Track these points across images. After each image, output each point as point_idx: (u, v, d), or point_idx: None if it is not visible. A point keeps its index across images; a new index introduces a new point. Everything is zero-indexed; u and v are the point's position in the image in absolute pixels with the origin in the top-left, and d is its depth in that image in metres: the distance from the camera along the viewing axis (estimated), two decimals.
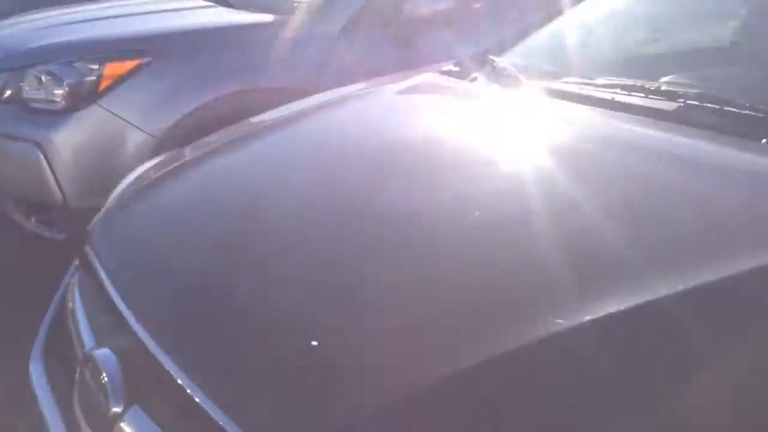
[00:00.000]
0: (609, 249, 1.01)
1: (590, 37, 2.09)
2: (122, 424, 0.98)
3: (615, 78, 1.64)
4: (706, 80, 1.61)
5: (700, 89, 1.47)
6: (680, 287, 0.88)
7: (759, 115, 1.31)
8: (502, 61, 1.90)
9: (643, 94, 1.51)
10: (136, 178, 1.64)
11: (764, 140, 1.24)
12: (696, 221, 1.08)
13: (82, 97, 2.82)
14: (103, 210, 1.53)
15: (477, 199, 1.20)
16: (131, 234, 1.39)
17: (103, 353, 1.06)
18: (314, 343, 0.90)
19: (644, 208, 1.14)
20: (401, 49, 3.17)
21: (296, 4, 3.42)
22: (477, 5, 3.37)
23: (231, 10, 3.35)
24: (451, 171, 1.33)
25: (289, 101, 2.92)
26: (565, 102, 1.60)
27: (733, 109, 1.33)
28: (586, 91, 1.60)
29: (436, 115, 1.74)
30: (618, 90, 1.55)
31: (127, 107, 2.83)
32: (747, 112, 1.32)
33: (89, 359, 1.08)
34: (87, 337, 1.20)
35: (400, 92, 1.93)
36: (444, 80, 1.93)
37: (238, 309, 1.05)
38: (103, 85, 2.82)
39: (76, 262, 1.43)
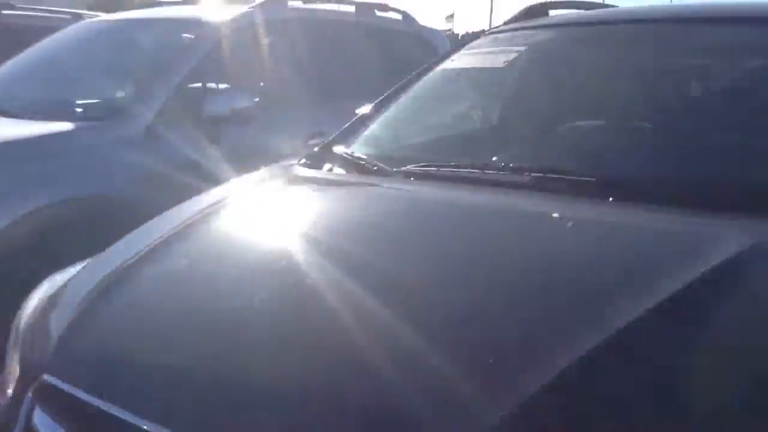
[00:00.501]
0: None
1: (423, 122, 2.43)
2: None
3: (465, 158, 1.98)
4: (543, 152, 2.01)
5: (542, 162, 1.85)
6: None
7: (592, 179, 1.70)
8: (355, 152, 2.14)
9: (495, 171, 1.85)
10: (51, 297, 1.56)
11: (610, 198, 1.62)
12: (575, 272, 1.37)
13: None
14: (50, 336, 1.42)
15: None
16: (106, 348, 1.34)
17: None
18: None
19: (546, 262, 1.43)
20: (205, 145, 3.25)
21: (79, 109, 3.35)
22: (276, 104, 3.57)
23: (16, 120, 3.13)
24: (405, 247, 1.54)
25: (108, 207, 2.85)
26: (435, 182, 1.88)
27: (583, 178, 1.71)
28: (448, 172, 1.89)
29: (335, 203, 1.93)
30: (476, 169, 1.87)
31: None
32: (586, 178, 1.70)
33: None
34: None
35: (278, 189, 2.06)
36: (309, 173, 2.10)
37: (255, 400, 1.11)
38: None
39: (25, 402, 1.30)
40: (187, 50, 3.40)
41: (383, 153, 2.17)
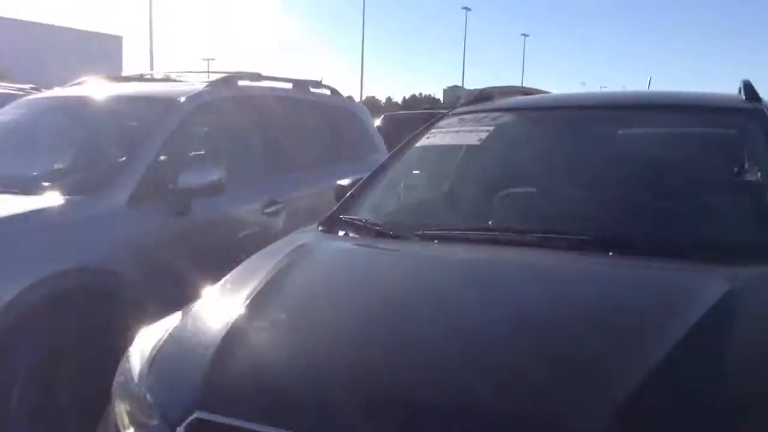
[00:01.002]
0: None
1: (423, 190, 2.83)
2: None
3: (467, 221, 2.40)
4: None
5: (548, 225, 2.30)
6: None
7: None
8: (369, 219, 2.50)
9: (502, 232, 2.27)
10: (161, 348, 1.84)
11: (611, 252, 2.06)
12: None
13: None
14: (189, 379, 1.66)
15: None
16: (253, 381, 1.63)
17: None
18: None
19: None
20: (179, 216, 3.44)
21: (46, 184, 3.43)
22: (234, 175, 3.80)
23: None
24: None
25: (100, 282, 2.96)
26: (447, 243, 2.26)
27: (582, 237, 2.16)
28: (465, 234, 2.29)
29: (382, 263, 2.34)
30: (481, 231, 2.28)
31: None
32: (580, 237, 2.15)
33: None
34: None
35: (325, 251, 2.41)
36: (334, 239, 2.43)
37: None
38: None
39: None
40: (160, 125, 3.60)
41: (391, 219, 2.55)
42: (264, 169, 4.20)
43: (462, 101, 3.60)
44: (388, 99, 76.17)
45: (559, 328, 1.71)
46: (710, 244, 2.11)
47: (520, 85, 4.17)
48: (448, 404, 1.45)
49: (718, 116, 2.83)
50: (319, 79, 5.28)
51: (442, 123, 3.13)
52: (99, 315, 2.99)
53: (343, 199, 2.75)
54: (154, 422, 1.61)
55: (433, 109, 14.09)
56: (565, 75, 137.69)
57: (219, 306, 2.00)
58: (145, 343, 1.89)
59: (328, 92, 5.38)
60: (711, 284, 1.84)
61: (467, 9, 62.78)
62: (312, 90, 5.13)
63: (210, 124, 4.16)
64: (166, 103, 3.79)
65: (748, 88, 2.81)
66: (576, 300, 1.88)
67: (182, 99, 3.81)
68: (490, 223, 2.43)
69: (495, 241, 2.24)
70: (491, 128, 2.93)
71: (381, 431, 1.42)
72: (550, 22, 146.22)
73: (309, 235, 2.50)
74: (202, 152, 3.91)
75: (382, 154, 4.85)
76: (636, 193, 2.54)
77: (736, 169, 2.56)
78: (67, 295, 2.90)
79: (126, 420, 1.69)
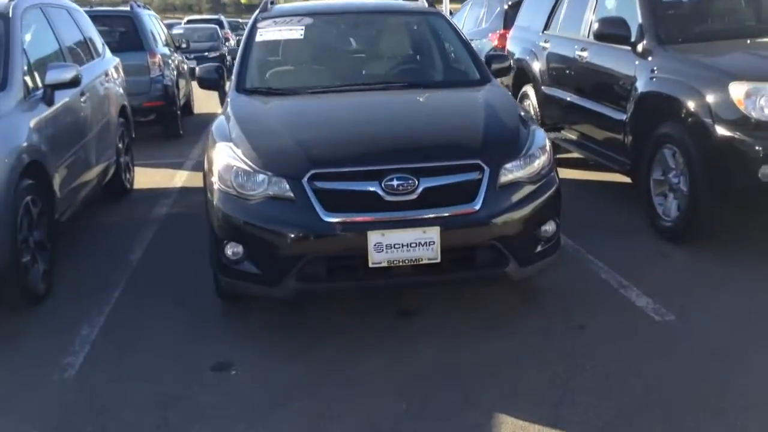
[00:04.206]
0: None
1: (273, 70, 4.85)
2: None
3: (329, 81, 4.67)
4: None
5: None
6: None
7: None
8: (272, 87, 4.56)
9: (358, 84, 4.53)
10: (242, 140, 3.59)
11: None
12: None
13: None
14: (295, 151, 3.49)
15: None
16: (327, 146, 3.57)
17: None
18: None
19: None
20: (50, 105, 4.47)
21: None
22: None
23: None
24: None
25: (38, 152, 4.23)
26: (334, 93, 4.43)
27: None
28: (338, 88, 4.49)
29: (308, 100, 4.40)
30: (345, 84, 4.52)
31: None
32: None
33: None
34: None
35: (268, 100, 4.29)
36: (263, 96, 4.41)
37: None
38: None
39: None
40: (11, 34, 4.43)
41: (285, 85, 4.49)
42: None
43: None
44: None
45: (390, 106, 4.15)
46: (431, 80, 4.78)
47: None
48: (394, 126, 3.80)
49: (415, 15, 5.22)
50: None
51: (261, 24, 4.79)
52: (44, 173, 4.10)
53: (236, 78, 4.37)
54: (283, 182, 3.25)
55: None
56: None
57: (261, 126, 3.75)
58: (226, 157, 3.47)
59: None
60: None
61: None
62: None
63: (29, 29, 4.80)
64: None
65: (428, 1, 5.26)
66: (389, 101, 4.24)
67: (10, 9, 4.46)
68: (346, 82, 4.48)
69: (351, 90, 4.32)
70: (300, 27, 4.76)
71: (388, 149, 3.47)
72: None
73: (244, 98, 4.21)
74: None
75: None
76: (385, 61, 5.01)
77: (426, 43, 5.06)
78: (31, 164, 3.92)
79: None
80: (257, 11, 5.04)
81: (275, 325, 3.68)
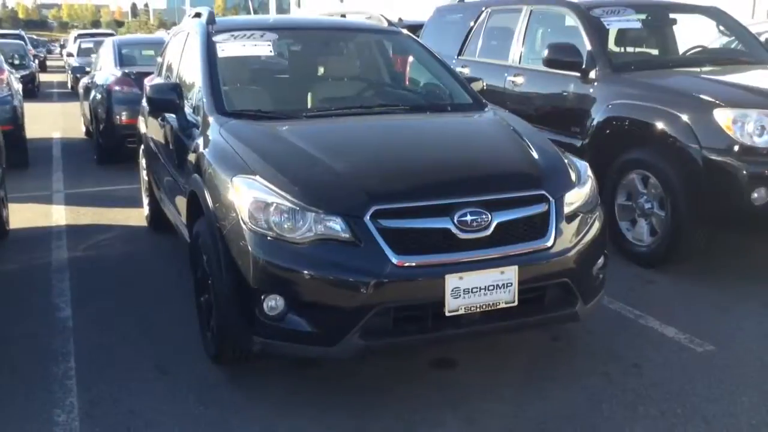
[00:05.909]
0: None
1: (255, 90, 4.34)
2: None
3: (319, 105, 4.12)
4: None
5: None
6: None
7: None
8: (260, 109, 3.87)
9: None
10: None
11: None
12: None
13: None
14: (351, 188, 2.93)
15: None
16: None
17: None
18: None
19: None
20: None
21: None
22: None
23: None
24: None
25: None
26: (331, 117, 3.87)
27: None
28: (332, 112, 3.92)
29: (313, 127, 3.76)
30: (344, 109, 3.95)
31: None
32: None
33: None
34: None
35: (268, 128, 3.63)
36: (255, 122, 3.73)
37: None
38: None
39: None
40: None
41: (277, 108, 3.88)
42: None
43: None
44: None
45: (417, 132, 3.71)
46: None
47: None
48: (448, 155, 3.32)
49: (377, 33, 4.83)
50: None
51: (218, 38, 4.11)
52: None
53: (211, 100, 3.66)
54: (337, 220, 2.74)
55: None
56: None
57: (289, 155, 3.11)
58: (256, 192, 2.85)
59: None
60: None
61: None
62: None
63: None
64: None
65: (388, 20, 4.86)
66: (409, 125, 3.80)
67: None
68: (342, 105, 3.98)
69: (355, 114, 3.83)
70: (266, 42, 4.18)
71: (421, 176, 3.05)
72: None
73: (237, 122, 3.50)
74: None
75: None
76: (371, 83, 4.72)
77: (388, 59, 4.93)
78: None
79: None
80: (202, 22, 4.27)
81: (298, 389, 3.10)
